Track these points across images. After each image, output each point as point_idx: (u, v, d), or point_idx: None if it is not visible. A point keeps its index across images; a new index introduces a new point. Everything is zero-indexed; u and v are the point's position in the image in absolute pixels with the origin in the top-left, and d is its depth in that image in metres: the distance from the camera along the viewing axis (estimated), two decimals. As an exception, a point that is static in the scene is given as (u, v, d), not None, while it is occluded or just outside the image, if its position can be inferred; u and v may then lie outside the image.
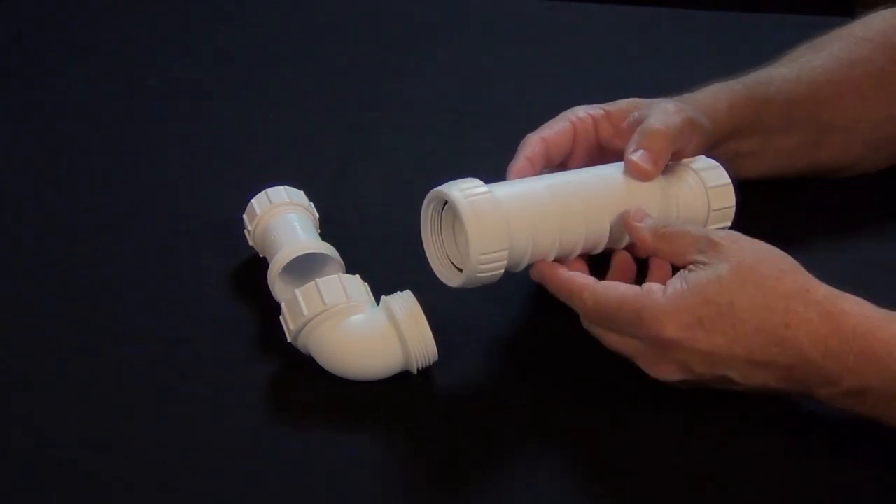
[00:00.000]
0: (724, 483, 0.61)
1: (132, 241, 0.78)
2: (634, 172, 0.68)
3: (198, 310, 0.72)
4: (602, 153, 0.72)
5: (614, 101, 0.74)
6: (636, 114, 0.71)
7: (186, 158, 0.88)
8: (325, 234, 0.74)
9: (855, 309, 0.59)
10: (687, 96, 0.74)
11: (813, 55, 0.80)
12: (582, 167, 0.72)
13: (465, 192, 0.63)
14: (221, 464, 0.61)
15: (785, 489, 0.60)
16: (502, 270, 0.64)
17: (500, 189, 0.65)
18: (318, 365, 0.65)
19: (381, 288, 0.67)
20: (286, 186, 0.75)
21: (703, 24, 1.08)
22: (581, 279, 0.64)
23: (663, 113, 0.70)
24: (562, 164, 0.73)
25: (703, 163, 0.71)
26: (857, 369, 0.58)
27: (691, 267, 0.62)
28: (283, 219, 0.72)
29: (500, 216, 0.63)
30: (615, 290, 0.62)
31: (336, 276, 0.66)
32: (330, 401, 0.65)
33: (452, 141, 0.90)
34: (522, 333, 0.70)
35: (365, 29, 1.07)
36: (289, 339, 0.66)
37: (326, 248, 0.70)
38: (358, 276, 0.67)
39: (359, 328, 0.64)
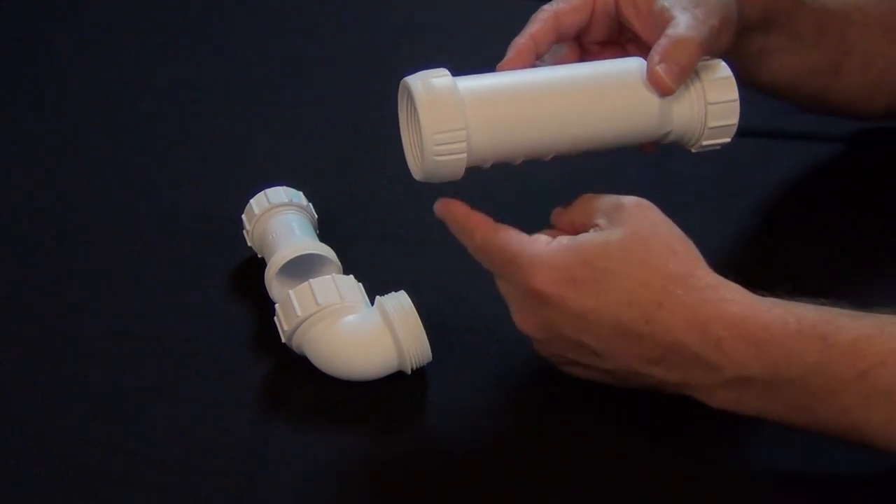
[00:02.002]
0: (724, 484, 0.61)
1: (130, 240, 0.79)
2: (656, 84, 0.63)
3: (196, 309, 0.72)
4: (622, 30, 0.69)
5: None
6: (663, 1, 0.65)
7: (186, 158, 0.88)
8: (324, 234, 0.74)
9: (737, 295, 0.57)
10: None
11: None
12: (600, 42, 0.69)
13: (425, 76, 0.61)
14: (216, 463, 0.62)
15: None
16: (462, 156, 0.60)
17: (473, 79, 0.62)
18: (313, 365, 0.66)
19: (378, 288, 0.67)
20: (285, 187, 0.75)
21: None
22: (478, 219, 0.62)
23: (693, 18, 0.64)
24: (577, 38, 0.70)
25: (713, 72, 0.65)
26: (737, 356, 0.56)
27: (590, 231, 0.60)
28: (281, 219, 0.73)
29: (456, 98, 0.60)
30: (505, 234, 0.60)
31: (330, 276, 0.66)
32: (324, 401, 0.65)
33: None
34: (517, 333, 0.70)
35: (365, 29, 1.07)
36: (283, 340, 0.66)
37: (323, 249, 0.70)
38: (352, 277, 0.67)
39: (353, 328, 0.65)
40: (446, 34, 1.06)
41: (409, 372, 0.65)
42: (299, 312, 0.64)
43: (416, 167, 0.64)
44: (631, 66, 0.65)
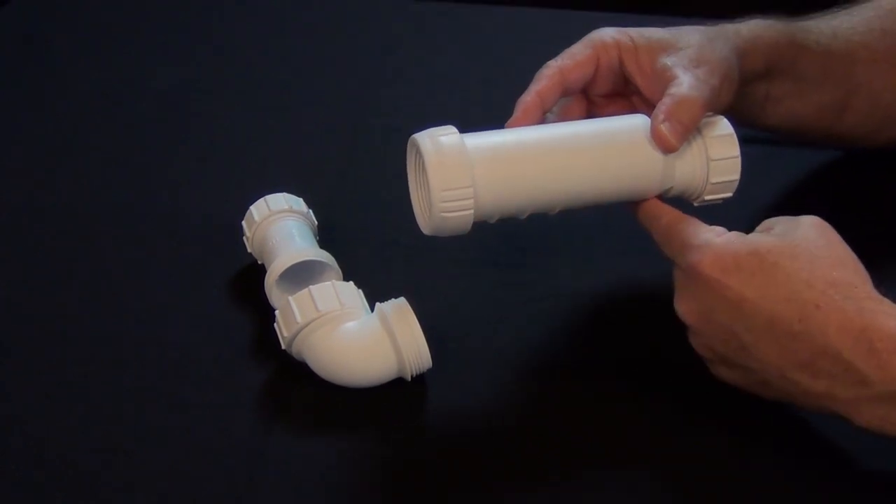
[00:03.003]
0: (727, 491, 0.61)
1: (131, 246, 0.79)
2: (659, 143, 0.64)
3: (196, 315, 0.72)
4: (627, 83, 0.70)
5: (642, 31, 0.70)
6: (666, 60, 0.67)
7: (186, 164, 0.88)
8: (324, 241, 0.74)
9: None
10: (729, 27, 0.71)
11: (845, 18, 0.79)
12: (605, 95, 0.71)
13: (433, 133, 0.63)
14: (216, 468, 0.62)
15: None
16: (469, 213, 0.62)
17: (480, 136, 0.64)
18: (313, 371, 0.66)
19: (378, 295, 0.67)
20: (285, 193, 0.75)
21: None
22: (667, 208, 0.65)
23: (696, 78, 0.66)
24: (584, 91, 0.71)
25: (715, 129, 0.67)
26: (891, 369, 0.54)
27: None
28: (281, 226, 0.73)
29: (464, 157, 0.62)
30: (688, 222, 0.62)
31: (330, 282, 0.66)
32: (324, 406, 0.65)
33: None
34: (517, 340, 0.70)
35: (366, 34, 1.07)
36: (283, 347, 0.66)
37: (323, 256, 0.70)
38: (352, 283, 0.67)
39: (352, 335, 0.65)
40: (448, 39, 1.07)
41: (409, 378, 0.65)
42: (299, 319, 0.64)
43: (424, 221, 0.65)
44: (635, 124, 0.66)
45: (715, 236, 0.61)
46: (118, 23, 1.09)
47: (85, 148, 0.91)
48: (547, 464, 0.62)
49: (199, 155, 0.90)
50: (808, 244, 0.59)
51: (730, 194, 0.68)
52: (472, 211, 0.62)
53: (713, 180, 0.66)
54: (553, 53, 0.70)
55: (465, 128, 0.94)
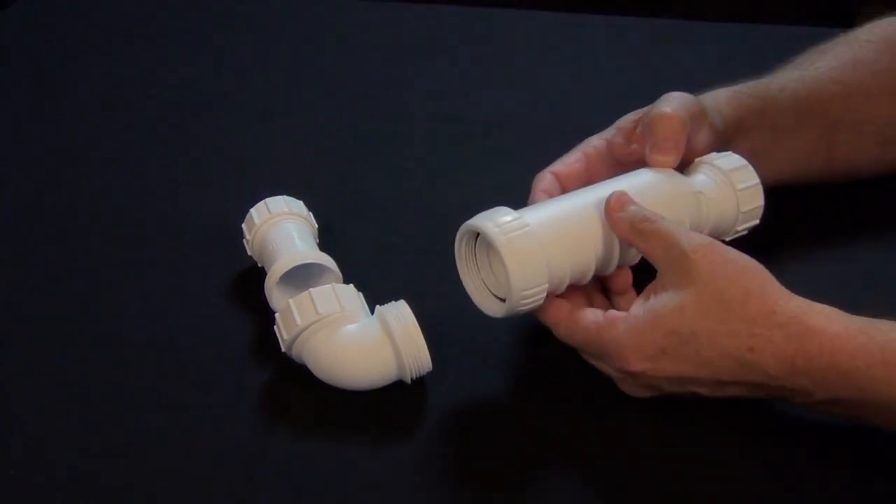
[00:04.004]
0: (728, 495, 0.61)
1: (131, 248, 0.79)
2: (658, 166, 0.68)
3: (195, 318, 0.72)
4: (624, 170, 0.72)
5: (622, 118, 0.73)
6: (649, 112, 0.70)
7: (187, 168, 0.88)
8: (324, 244, 0.74)
9: (822, 324, 0.59)
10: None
11: (817, 58, 0.80)
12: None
13: (503, 227, 0.62)
14: (216, 471, 0.62)
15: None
16: (543, 299, 0.64)
17: (531, 215, 0.65)
18: (313, 374, 0.66)
19: (378, 297, 0.67)
20: (285, 196, 0.75)
21: (706, 35, 1.09)
22: (555, 311, 0.65)
23: (668, 100, 0.70)
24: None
25: (730, 162, 0.70)
26: (826, 384, 0.58)
27: (656, 290, 0.62)
28: (281, 229, 0.73)
29: (539, 250, 0.62)
30: (584, 324, 0.63)
31: (330, 285, 0.66)
32: (324, 409, 0.65)
33: (453, 151, 0.90)
34: (517, 343, 0.70)
35: (366, 38, 1.07)
36: (283, 349, 0.66)
37: (323, 259, 0.70)
38: (352, 286, 0.68)
39: (352, 337, 0.65)
40: (448, 43, 1.07)
41: (409, 381, 0.66)
42: (299, 321, 0.64)
43: (486, 302, 0.66)
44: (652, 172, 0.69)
45: (622, 329, 0.61)
46: (119, 27, 1.09)
47: (86, 150, 0.91)
48: (547, 464, 0.62)
49: (200, 157, 0.90)
50: (708, 294, 0.60)
51: (756, 222, 0.71)
52: (544, 297, 0.64)
53: (743, 209, 0.69)
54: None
55: (464, 131, 0.94)
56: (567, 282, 0.65)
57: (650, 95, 0.75)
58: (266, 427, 0.65)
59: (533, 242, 0.62)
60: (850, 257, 0.78)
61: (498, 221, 0.63)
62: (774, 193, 0.73)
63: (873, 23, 0.82)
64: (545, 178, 0.70)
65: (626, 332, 0.61)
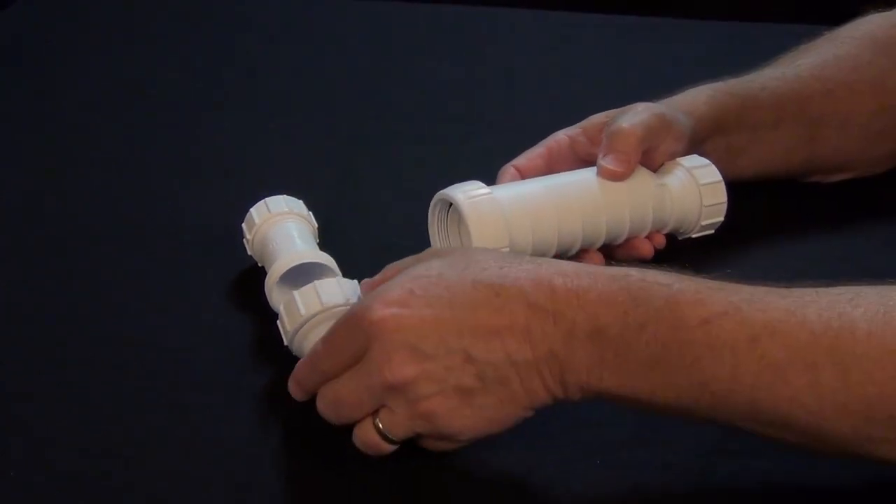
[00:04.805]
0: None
1: (131, 249, 0.79)
2: (607, 176, 0.71)
3: (195, 318, 0.72)
4: (586, 166, 0.74)
5: (589, 117, 0.76)
6: (610, 124, 0.73)
7: (187, 167, 0.89)
8: (325, 243, 0.74)
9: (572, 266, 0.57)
10: (666, 99, 0.76)
11: (800, 56, 0.81)
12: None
13: (468, 193, 0.68)
14: (215, 471, 0.62)
15: None
16: None
17: (501, 191, 0.70)
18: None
19: (378, 297, 0.67)
20: (286, 196, 0.75)
21: (706, 34, 1.09)
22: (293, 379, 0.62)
23: (631, 113, 0.73)
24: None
25: (694, 161, 0.74)
26: (589, 307, 0.54)
27: None
28: (282, 228, 0.73)
29: (501, 215, 0.68)
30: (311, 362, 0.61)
31: (335, 278, 0.66)
32: (324, 409, 0.65)
33: (452, 150, 0.91)
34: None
35: (365, 38, 1.07)
36: (285, 342, 0.66)
37: (324, 258, 0.70)
38: (355, 281, 0.67)
39: (354, 334, 0.65)
40: (446, 43, 1.07)
41: (409, 380, 0.65)
42: (303, 311, 0.64)
43: None
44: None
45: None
46: (119, 27, 1.09)
47: (85, 150, 0.91)
48: (547, 464, 0.62)
49: (200, 157, 0.90)
50: (457, 253, 0.60)
51: (721, 218, 0.74)
52: None
53: (706, 203, 0.72)
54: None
55: (465, 131, 0.95)
56: (529, 252, 0.68)
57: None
58: (266, 426, 0.65)
59: (495, 208, 0.68)
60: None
61: (465, 189, 0.69)
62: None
63: (856, 21, 0.83)
64: (508, 172, 0.74)
65: (374, 291, 0.58)
